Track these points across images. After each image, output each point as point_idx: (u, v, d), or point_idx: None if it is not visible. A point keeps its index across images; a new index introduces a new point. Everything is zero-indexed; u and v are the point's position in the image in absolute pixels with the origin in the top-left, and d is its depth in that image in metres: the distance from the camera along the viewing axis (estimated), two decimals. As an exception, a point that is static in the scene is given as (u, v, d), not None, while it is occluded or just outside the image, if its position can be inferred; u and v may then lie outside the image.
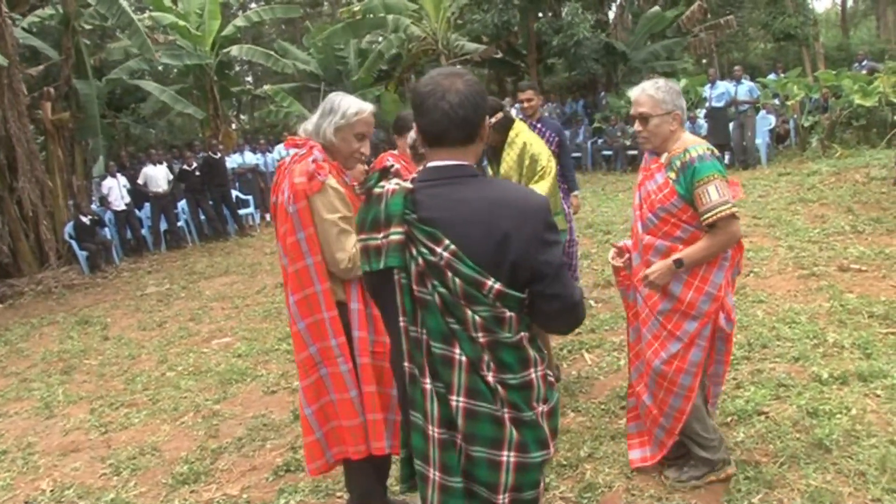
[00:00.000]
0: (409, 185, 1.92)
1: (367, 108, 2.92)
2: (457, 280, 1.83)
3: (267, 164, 15.44)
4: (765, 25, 20.17)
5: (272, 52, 19.37)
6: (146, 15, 15.99)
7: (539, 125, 5.29)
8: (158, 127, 23.64)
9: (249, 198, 14.88)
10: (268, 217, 15.31)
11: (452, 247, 1.83)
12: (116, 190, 13.03)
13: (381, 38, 20.79)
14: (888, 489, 3.02)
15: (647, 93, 3.01)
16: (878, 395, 3.85)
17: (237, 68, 27.22)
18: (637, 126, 3.07)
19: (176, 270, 11.29)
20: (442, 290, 1.85)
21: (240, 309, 8.13)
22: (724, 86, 13.27)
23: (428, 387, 1.92)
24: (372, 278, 2.01)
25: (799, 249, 6.86)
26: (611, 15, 20.27)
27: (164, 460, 4.41)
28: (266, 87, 19.95)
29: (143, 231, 13.74)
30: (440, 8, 17.76)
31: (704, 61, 25.22)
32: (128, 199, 13.20)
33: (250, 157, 15.46)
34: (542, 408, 1.97)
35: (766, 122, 13.56)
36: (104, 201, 13.22)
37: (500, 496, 1.94)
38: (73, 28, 13.59)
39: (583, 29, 16.77)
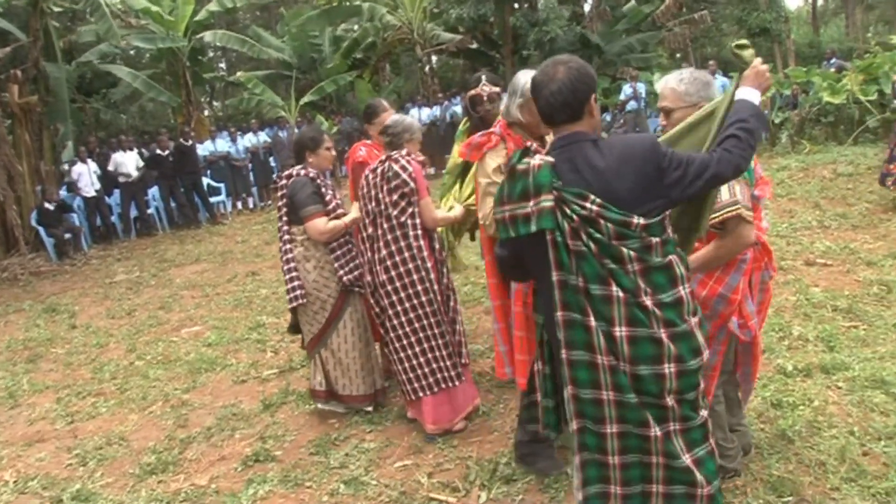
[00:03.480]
0: (551, 158, 2.26)
1: None
2: (609, 225, 2.16)
3: (238, 152, 15.25)
4: (739, 21, 20.35)
5: (246, 38, 19.11)
6: (118, -1, 15.70)
7: None
8: (129, 112, 23.28)
9: (221, 185, 14.71)
10: (239, 205, 15.18)
11: (598, 199, 2.17)
12: (87, 176, 12.78)
13: (356, 27, 20.64)
14: (846, 478, 3.10)
15: (669, 86, 2.93)
16: (840, 387, 3.93)
17: (210, 54, 26.84)
18: (661, 119, 3.00)
19: (146, 258, 11.15)
20: (597, 236, 2.18)
21: (210, 297, 8.06)
22: (697, 80, 13.33)
23: (593, 324, 2.22)
24: (517, 243, 2.33)
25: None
26: (586, 7, 20.32)
27: (132, 450, 4.37)
28: (239, 73, 19.70)
29: (113, 218, 13.55)
30: (416, -3, 17.71)
31: (679, 55, 25.39)
32: (98, 185, 12.97)
33: (222, 145, 15.24)
34: (693, 319, 2.26)
35: (737, 117, 13.65)
36: (73, 187, 12.96)
37: (667, 399, 2.23)
38: (41, 9, 13.30)
39: (557, 26, 16.80)
